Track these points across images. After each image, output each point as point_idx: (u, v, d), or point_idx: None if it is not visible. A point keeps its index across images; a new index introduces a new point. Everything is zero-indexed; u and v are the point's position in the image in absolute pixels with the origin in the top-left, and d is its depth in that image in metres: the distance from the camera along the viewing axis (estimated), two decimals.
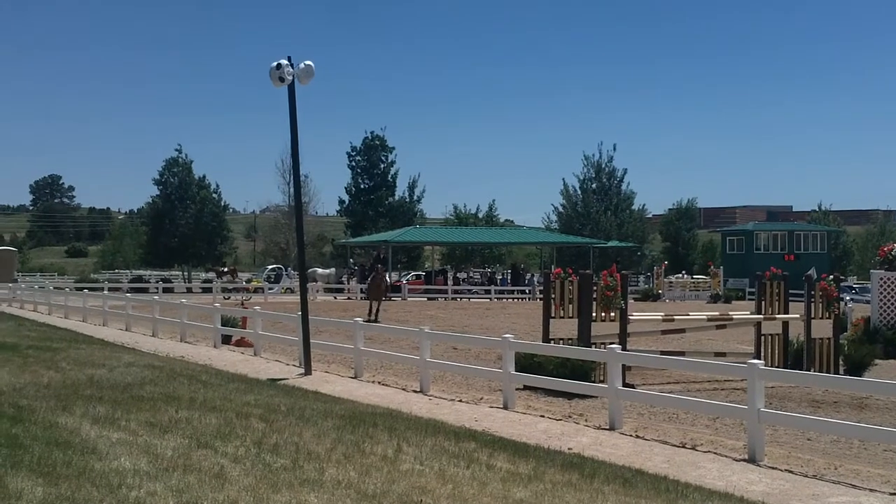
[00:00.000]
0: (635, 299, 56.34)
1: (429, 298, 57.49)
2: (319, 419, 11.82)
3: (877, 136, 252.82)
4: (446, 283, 63.86)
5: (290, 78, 19.17)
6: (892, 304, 27.04)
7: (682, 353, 19.11)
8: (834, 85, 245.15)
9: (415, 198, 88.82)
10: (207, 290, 57.36)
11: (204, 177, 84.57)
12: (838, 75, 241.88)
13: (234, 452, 9.12)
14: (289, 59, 19.19)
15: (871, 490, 9.88)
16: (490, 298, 59.63)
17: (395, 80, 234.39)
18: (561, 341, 17.79)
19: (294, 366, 20.35)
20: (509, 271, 72.24)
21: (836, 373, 19.78)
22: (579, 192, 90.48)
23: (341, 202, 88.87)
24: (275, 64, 19.06)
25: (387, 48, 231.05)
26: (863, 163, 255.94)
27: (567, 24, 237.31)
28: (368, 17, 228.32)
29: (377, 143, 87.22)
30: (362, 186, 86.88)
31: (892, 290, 27.13)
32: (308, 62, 19.34)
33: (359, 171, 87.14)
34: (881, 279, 27.54)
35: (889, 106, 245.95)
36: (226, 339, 25.16)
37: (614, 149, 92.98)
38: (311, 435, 10.48)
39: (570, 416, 14.45)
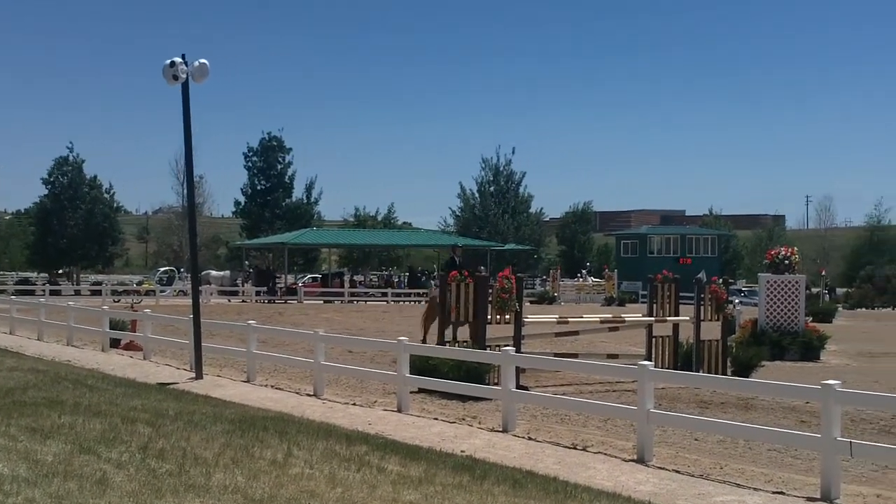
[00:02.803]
0: (531, 302, 56.81)
1: (325, 301, 57.22)
2: (208, 423, 11.61)
3: (765, 143, 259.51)
4: (343, 286, 63.59)
5: (185, 76, 18.81)
6: (779, 306, 27.69)
7: (575, 355, 19.28)
8: (724, 90, 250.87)
9: (312, 199, 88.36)
10: (97, 293, 56.14)
11: (95, 177, 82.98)
12: (729, 80, 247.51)
13: (117, 458, 8.88)
14: (183, 56, 18.84)
15: (754, 489, 10.08)
16: (387, 301, 59.57)
17: (292, 80, 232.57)
18: (456, 344, 17.80)
19: (185, 370, 19.99)
20: (407, 274, 72.28)
21: (725, 374, 20.14)
22: (477, 195, 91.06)
23: (237, 203, 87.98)
24: (168, 62, 18.69)
25: (285, 47, 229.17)
26: (753, 169, 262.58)
27: (463, 25, 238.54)
28: (265, 12, 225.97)
29: (274, 143, 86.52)
30: (259, 188, 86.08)
31: (779, 293, 27.79)
32: (203, 60, 19.00)
33: (255, 171, 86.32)
34: (768, 282, 28.20)
35: (778, 113, 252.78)
36: (115, 343, 24.61)
37: (513, 152, 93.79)
38: (199, 439, 10.28)
39: (464, 419, 14.46)
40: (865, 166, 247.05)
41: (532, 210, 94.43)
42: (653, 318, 20.60)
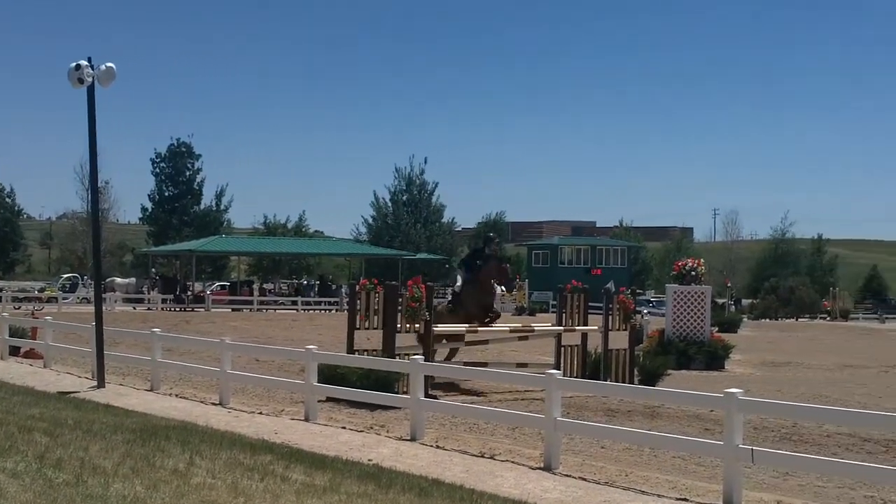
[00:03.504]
0: None
1: (234, 309, 56.59)
2: (108, 433, 11.34)
3: (675, 156, 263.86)
4: (252, 294, 62.95)
5: (90, 80, 18.41)
6: (685, 316, 28.13)
7: (485, 364, 19.32)
8: (634, 104, 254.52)
9: (222, 207, 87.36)
10: None
11: None
12: (638, 93, 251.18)
13: (13, 468, 8.60)
14: (89, 59, 18.44)
15: (659, 496, 10.16)
16: (297, 310, 59.11)
17: (204, 86, 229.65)
18: (366, 352, 17.71)
19: (87, 378, 19.53)
20: (317, 282, 71.85)
21: (632, 383, 20.36)
22: (390, 204, 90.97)
23: (144, 210, 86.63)
24: (74, 64, 18.27)
25: (196, 53, 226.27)
26: (662, 182, 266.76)
27: (374, 33, 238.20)
28: (175, 15, 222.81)
29: (183, 149, 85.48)
30: (167, 194, 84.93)
31: (685, 303, 28.23)
32: (110, 64, 18.60)
33: (163, 178, 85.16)
34: (675, 293, 28.63)
35: (686, 127, 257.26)
36: (14, 351, 23.94)
37: (426, 162, 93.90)
38: (99, 449, 10.02)
39: (372, 428, 14.36)
40: (771, 181, 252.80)
41: (444, 220, 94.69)
42: (562, 328, 20.73)
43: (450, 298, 21.98)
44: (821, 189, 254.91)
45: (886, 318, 73.97)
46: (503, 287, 22.64)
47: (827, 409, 13.21)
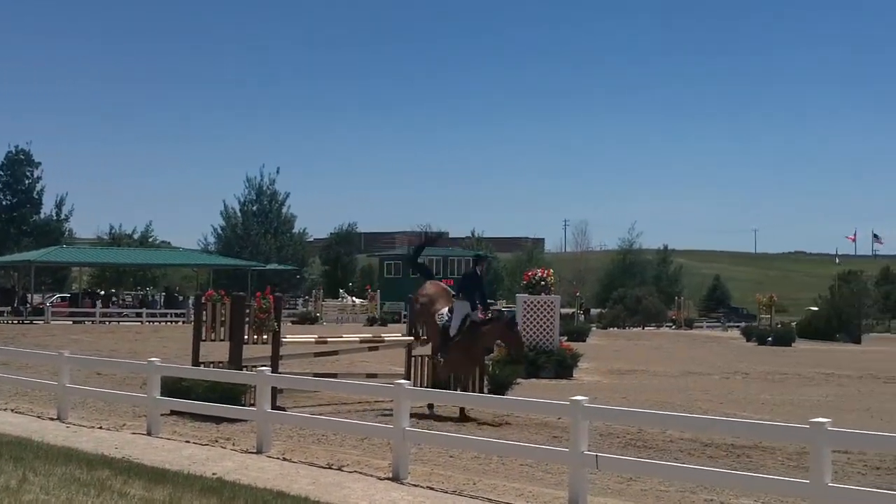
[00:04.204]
0: (294, 322, 56.35)
1: (75, 322, 54.87)
2: None
3: (527, 167, 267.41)
4: (95, 306, 61.11)
5: None
6: (535, 326, 28.47)
7: (335, 375, 19.14)
8: (482, 115, 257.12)
9: (62, 216, 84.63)
10: None
11: None
12: (485, 106, 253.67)
13: None
14: None
15: (506, 503, 10.20)
16: (142, 322, 57.69)
17: (44, 93, 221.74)
18: (212, 364, 17.33)
19: None
20: (163, 294, 70.27)
21: (482, 392, 20.44)
22: (240, 214, 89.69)
23: None
24: None
25: (36, 58, 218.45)
26: (514, 193, 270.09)
27: (226, 41, 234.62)
28: (14, 19, 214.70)
29: (21, 157, 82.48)
30: (4, 203, 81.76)
31: (535, 312, 28.58)
32: None
33: (0, 186, 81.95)
34: (525, 302, 28.97)
35: (539, 139, 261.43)
36: None
37: (277, 172, 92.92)
38: None
39: (217, 441, 14.04)
40: (619, 193, 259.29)
41: (296, 230, 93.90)
42: (412, 338, 20.69)
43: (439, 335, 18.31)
44: (666, 200, 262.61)
45: (729, 326, 76.57)
46: (512, 353, 18.49)
47: (670, 416, 13.54)
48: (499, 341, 18.37)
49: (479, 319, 17.58)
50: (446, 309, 18.18)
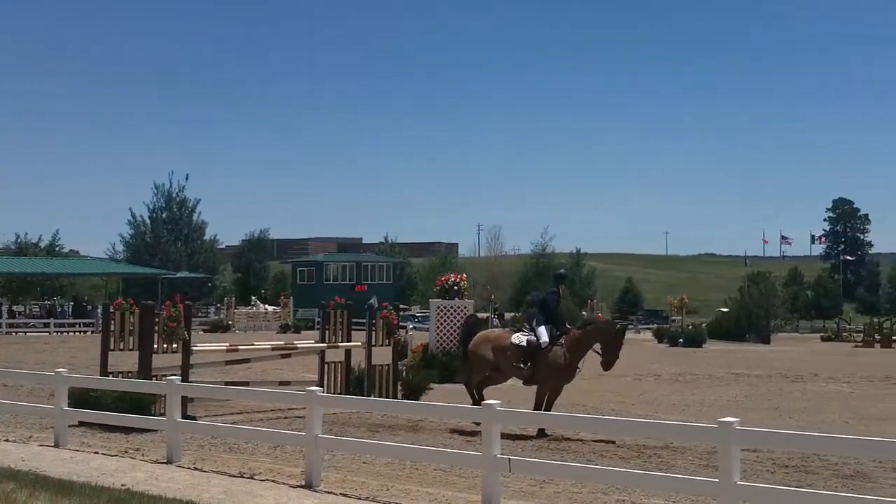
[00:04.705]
0: (205, 331, 55.66)
1: None
2: None
3: (439, 172, 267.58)
4: (0, 317, 59.64)
5: None
6: (448, 330, 28.52)
7: (247, 383, 18.98)
8: (390, 121, 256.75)
9: None
10: None
11: None
12: (388, 114, 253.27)
13: None
14: None
15: None
16: (50, 332, 56.48)
17: None
18: (121, 374, 17.04)
19: None
20: (72, 303, 68.89)
21: (395, 398, 20.46)
22: (148, 221, 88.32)
23: None
24: None
25: None
26: (428, 198, 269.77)
27: (130, 43, 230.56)
28: None
29: None
30: None
31: (448, 317, 28.63)
32: None
33: None
34: (438, 307, 29.02)
35: (452, 143, 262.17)
36: None
37: (187, 178, 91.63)
38: None
39: (126, 452, 13.81)
40: (532, 198, 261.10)
41: (206, 237, 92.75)
42: (325, 345, 20.61)
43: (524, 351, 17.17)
44: (579, 205, 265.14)
45: (642, 328, 77.56)
46: (603, 363, 17.13)
47: (581, 418, 13.69)
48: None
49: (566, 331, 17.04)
50: (514, 337, 17.42)
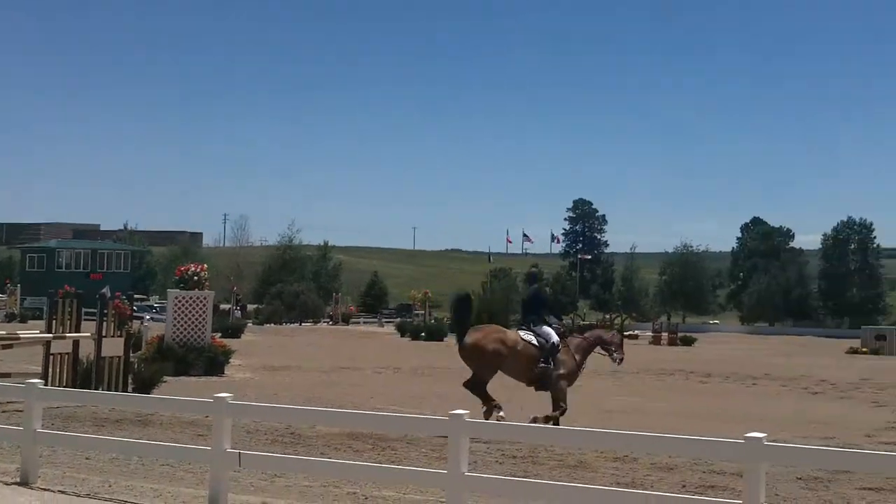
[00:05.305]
0: None
1: None
2: None
3: (187, 162, 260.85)
4: None
5: None
6: (186, 322, 27.79)
7: None
8: (147, 108, 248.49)
9: None
10: None
11: None
12: (160, 96, 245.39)
13: None
14: None
15: None
16: None
17: None
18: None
19: None
20: None
21: (126, 391, 19.74)
22: None
23: None
24: None
25: None
26: (170, 186, 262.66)
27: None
28: None
29: None
30: None
31: (186, 308, 27.90)
32: None
33: None
34: (176, 298, 28.24)
35: (193, 133, 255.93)
36: None
37: None
38: None
39: None
40: (281, 190, 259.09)
41: None
42: (51, 335, 19.65)
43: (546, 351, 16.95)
44: (328, 198, 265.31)
45: (385, 322, 78.38)
46: (613, 358, 17.65)
47: (317, 411, 13.56)
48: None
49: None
50: (521, 334, 17.04)
